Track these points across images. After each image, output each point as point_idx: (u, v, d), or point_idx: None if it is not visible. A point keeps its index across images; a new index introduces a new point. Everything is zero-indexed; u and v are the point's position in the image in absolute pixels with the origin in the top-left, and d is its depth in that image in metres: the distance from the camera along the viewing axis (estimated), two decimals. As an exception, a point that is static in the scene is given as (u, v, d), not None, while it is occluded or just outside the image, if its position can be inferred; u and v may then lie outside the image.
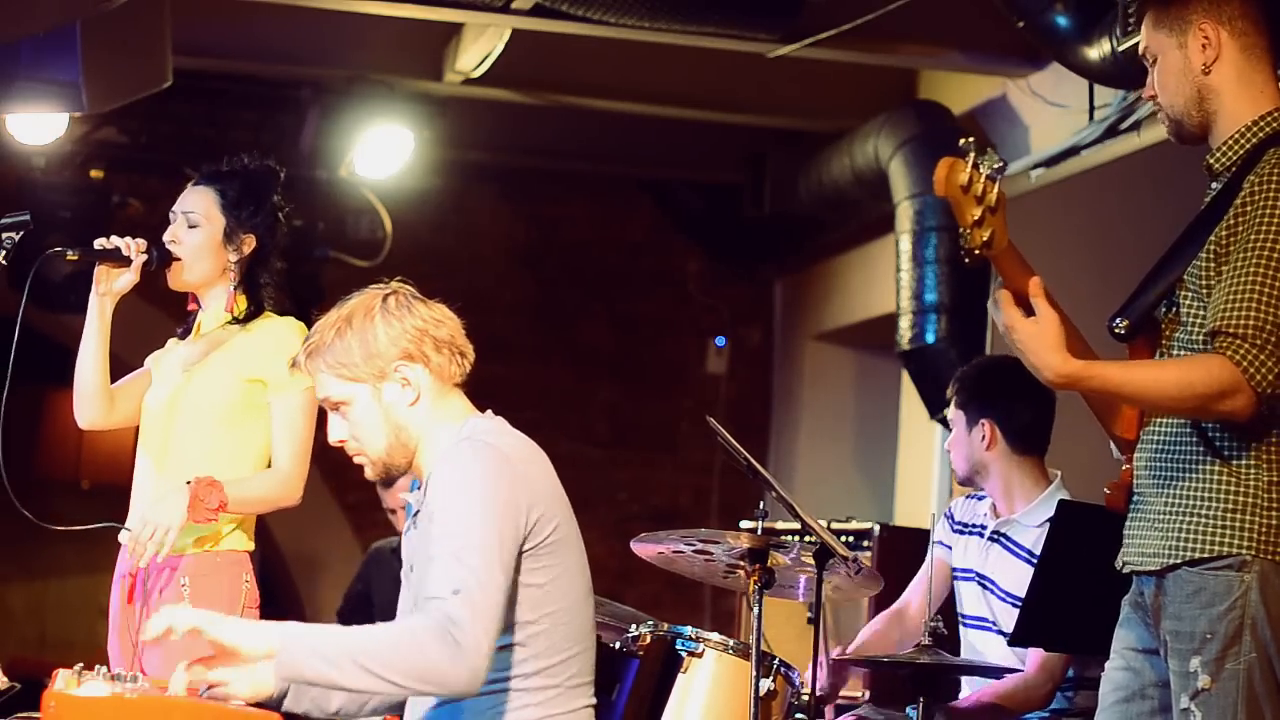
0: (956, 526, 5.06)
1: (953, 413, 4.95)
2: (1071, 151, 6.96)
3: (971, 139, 3.48)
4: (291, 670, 3.23)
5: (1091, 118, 6.86)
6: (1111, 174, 6.67)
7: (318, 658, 3.23)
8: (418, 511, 3.61)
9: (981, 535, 4.96)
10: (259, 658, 3.23)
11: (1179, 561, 3.43)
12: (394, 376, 3.57)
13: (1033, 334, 3.40)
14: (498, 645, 3.35)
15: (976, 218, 3.44)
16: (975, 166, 3.44)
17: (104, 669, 3.33)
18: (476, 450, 3.51)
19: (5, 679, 3.92)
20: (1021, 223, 7.33)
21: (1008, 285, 3.51)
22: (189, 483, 4.36)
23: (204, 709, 3.36)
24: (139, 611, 4.49)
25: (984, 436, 4.88)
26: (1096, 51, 6.17)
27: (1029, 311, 3.44)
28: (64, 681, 3.27)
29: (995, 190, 3.45)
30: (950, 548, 5.03)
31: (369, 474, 3.67)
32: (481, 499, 3.43)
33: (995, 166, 3.45)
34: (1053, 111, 7.18)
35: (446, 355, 3.61)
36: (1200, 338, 3.45)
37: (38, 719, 3.22)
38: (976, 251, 3.47)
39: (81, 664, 3.36)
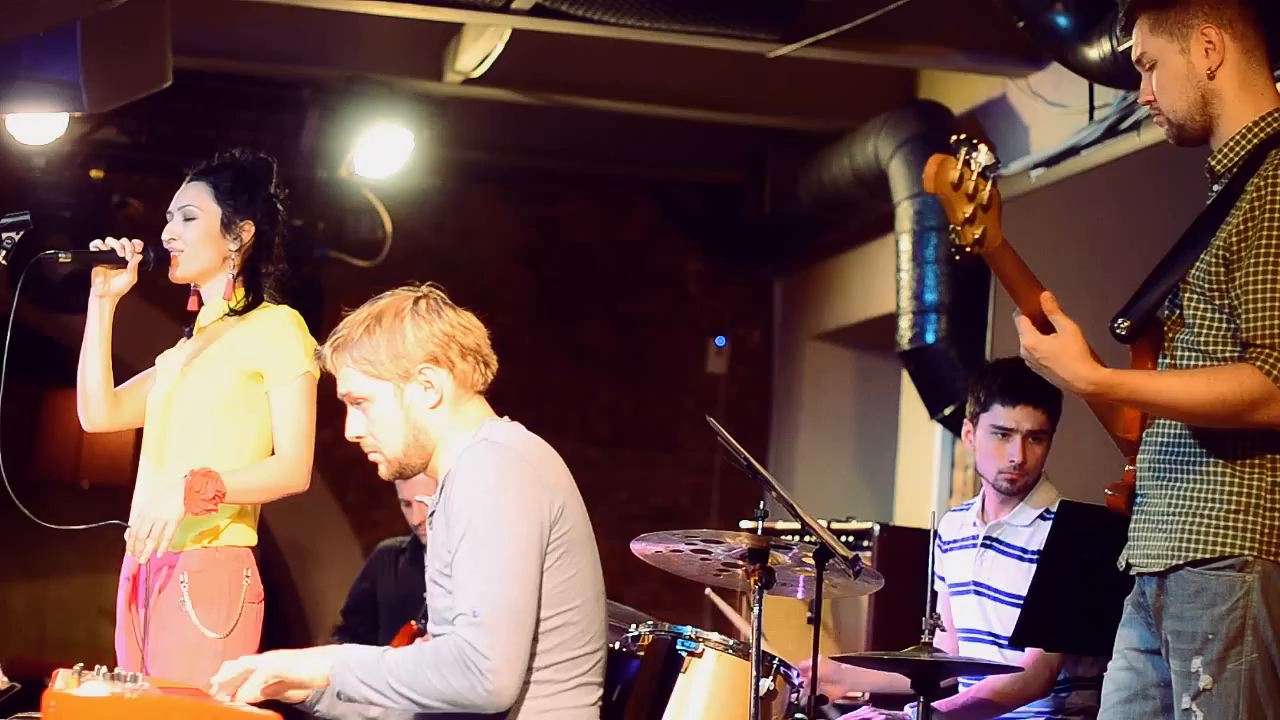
0: (946, 547, 5.06)
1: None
2: (1071, 151, 6.96)
3: (964, 135, 3.47)
4: (343, 690, 3.48)
5: (1091, 118, 6.87)
6: (1111, 174, 6.67)
7: (359, 681, 3.47)
8: (433, 512, 3.66)
9: (973, 545, 4.96)
10: (320, 685, 3.52)
11: (1181, 562, 3.43)
12: (418, 378, 3.63)
13: (1057, 349, 3.40)
14: None
15: (967, 215, 3.44)
16: (966, 163, 3.43)
17: (104, 669, 3.33)
18: (493, 453, 3.57)
19: (5, 679, 3.92)
20: (1021, 223, 7.37)
21: (1012, 295, 3.51)
22: (186, 475, 4.36)
23: (204, 709, 3.36)
24: (142, 612, 4.50)
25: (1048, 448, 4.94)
26: (1096, 51, 6.17)
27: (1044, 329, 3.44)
28: (64, 681, 3.27)
29: (988, 188, 3.43)
30: (944, 578, 5.03)
31: (382, 472, 3.75)
32: (503, 509, 3.50)
33: (988, 164, 3.43)
34: (1053, 111, 7.18)
35: (471, 363, 3.67)
36: (1205, 339, 3.46)
37: (38, 719, 3.22)
38: (968, 249, 3.46)
39: (81, 664, 3.36)
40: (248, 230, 4.58)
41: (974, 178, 3.42)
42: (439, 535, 3.60)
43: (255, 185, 4.62)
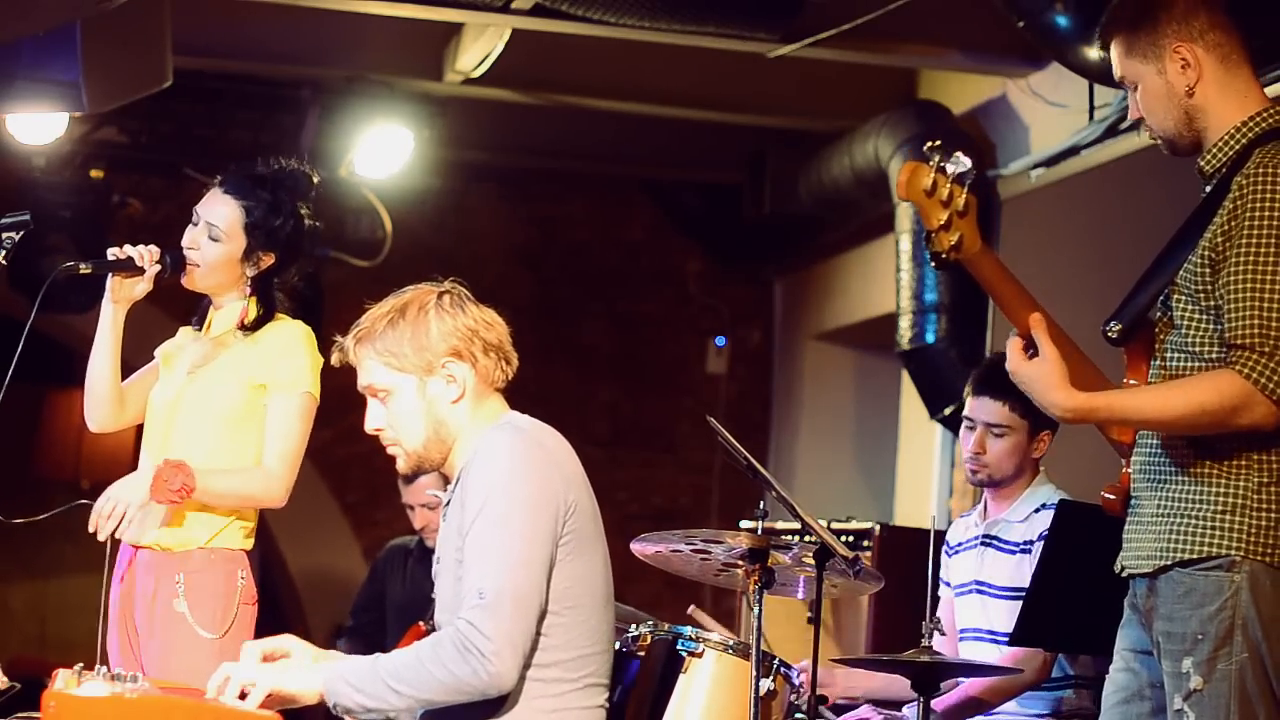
0: (952, 551, 5.07)
1: (1007, 418, 4.82)
2: (1071, 151, 6.96)
3: (938, 143, 3.50)
4: (339, 703, 3.45)
5: (1091, 118, 6.86)
6: (1111, 174, 6.67)
7: (355, 690, 3.43)
8: (448, 503, 3.66)
9: (975, 545, 4.96)
10: (311, 701, 3.46)
11: (1170, 563, 3.44)
12: (440, 372, 3.65)
13: (1035, 375, 3.43)
14: None
15: (943, 222, 3.48)
16: (941, 169, 3.46)
17: (104, 669, 3.33)
18: (512, 438, 3.58)
19: (5, 679, 3.92)
20: (1021, 223, 7.36)
21: (998, 303, 3.54)
22: (158, 463, 4.38)
23: (204, 709, 3.37)
24: (135, 608, 4.50)
25: (1038, 447, 4.89)
26: (1096, 51, 6.16)
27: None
28: (64, 681, 3.27)
29: (964, 194, 3.47)
30: (949, 583, 5.04)
31: (401, 466, 3.75)
32: (520, 493, 3.51)
33: (963, 170, 3.46)
34: (1053, 111, 7.18)
35: (493, 359, 3.68)
36: (1193, 340, 3.46)
37: (38, 719, 3.22)
38: (943, 255, 3.50)
39: (81, 664, 3.36)
40: (268, 260, 4.59)
41: (948, 184, 3.46)
42: (453, 522, 3.59)
43: (286, 215, 4.59)
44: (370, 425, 3.71)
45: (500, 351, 3.70)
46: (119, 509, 4.38)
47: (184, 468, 4.36)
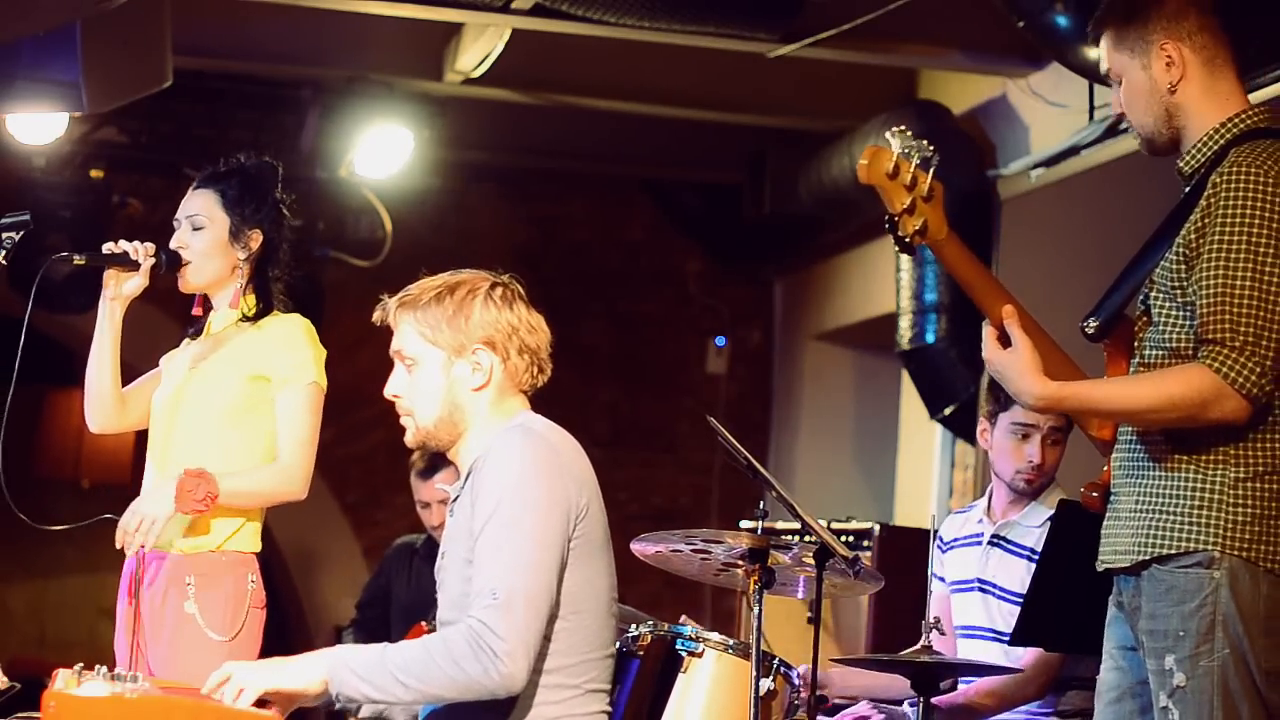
0: (946, 546, 5.06)
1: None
2: (1071, 151, 6.97)
3: (901, 128, 3.53)
4: (342, 692, 3.42)
5: (1091, 117, 6.87)
6: (1111, 174, 6.68)
7: (360, 679, 3.41)
8: (457, 498, 3.65)
9: (979, 543, 4.95)
10: (317, 693, 3.43)
11: (1148, 558, 3.45)
12: (469, 357, 3.67)
13: (1008, 362, 3.46)
14: None
15: (906, 205, 3.51)
16: (904, 154, 3.48)
17: (104, 669, 3.33)
18: (528, 440, 3.59)
19: (5, 679, 3.92)
20: (1021, 223, 7.36)
21: (969, 293, 3.56)
22: (179, 474, 4.37)
23: (204, 709, 3.37)
24: (143, 610, 4.50)
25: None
26: (1096, 51, 6.16)
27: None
28: (64, 681, 3.27)
29: (929, 179, 3.50)
30: (944, 579, 5.03)
31: (408, 438, 3.76)
32: (533, 495, 3.51)
33: (925, 155, 3.48)
34: (1053, 111, 7.19)
35: (526, 360, 3.72)
36: (1171, 336, 3.47)
37: (38, 719, 3.23)
38: (907, 239, 3.53)
39: (81, 664, 3.36)
40: (256, 238, 4.60)
41: (912, 168, 3.49)
42: (462, 520, 3.59)
43: (262, 192, 4.63)
44: (390, 390, 3.73)
45: (536, 356, 3.74)
46: (145, 524, 4.35)
47: (205, 476, 4.36)
